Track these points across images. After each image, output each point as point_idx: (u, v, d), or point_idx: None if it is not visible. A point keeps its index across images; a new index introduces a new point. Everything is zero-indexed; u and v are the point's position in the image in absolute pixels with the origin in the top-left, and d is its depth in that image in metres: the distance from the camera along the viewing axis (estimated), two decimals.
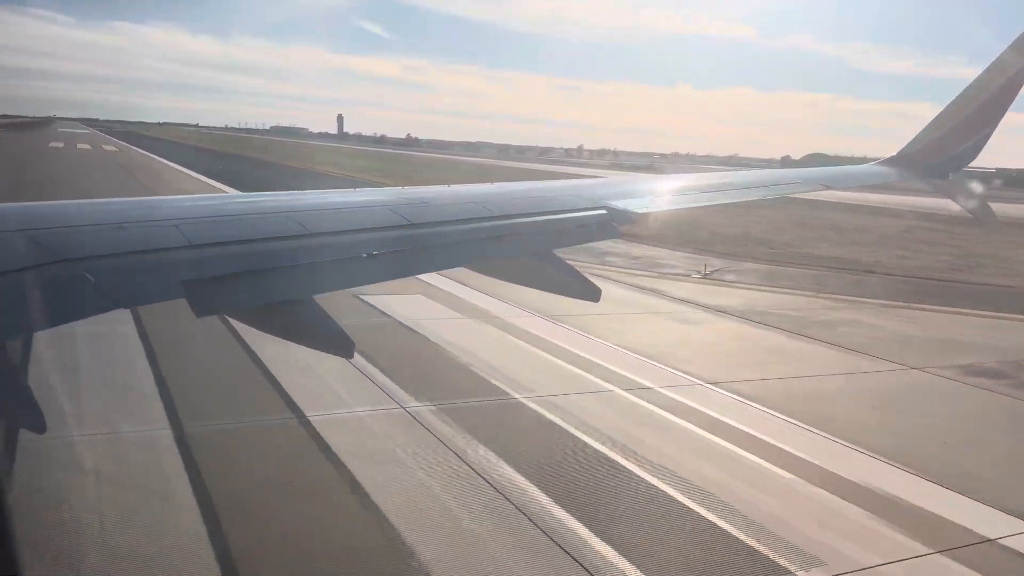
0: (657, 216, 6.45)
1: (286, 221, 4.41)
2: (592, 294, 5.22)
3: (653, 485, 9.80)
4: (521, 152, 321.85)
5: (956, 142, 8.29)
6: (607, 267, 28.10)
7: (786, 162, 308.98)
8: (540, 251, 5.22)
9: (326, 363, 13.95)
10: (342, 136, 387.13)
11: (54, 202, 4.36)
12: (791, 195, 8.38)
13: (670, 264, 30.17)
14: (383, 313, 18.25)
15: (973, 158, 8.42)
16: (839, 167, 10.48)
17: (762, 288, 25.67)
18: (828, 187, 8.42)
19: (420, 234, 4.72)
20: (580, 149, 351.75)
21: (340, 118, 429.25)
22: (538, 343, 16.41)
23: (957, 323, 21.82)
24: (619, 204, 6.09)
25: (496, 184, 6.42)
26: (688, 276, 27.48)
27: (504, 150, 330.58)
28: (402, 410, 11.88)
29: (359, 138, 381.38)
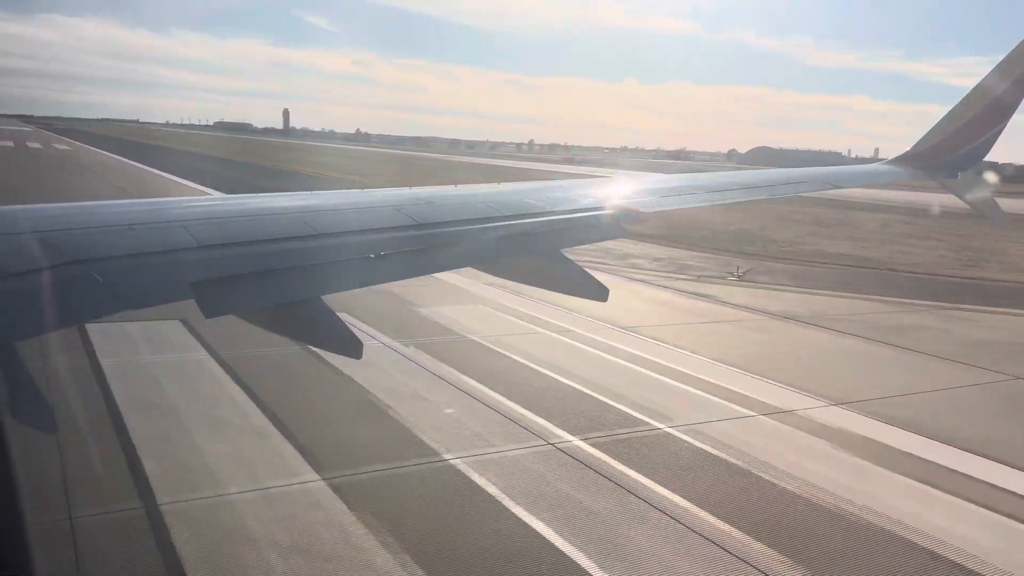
0: (662, 215, 6.38)
1: (294, 222, 4.39)
2: (600, 294, 5.14)
3: (863, 525, 8.95)
4: (472, 147, 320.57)
5: (965, 140, 8.25)
6: (637, 270, 27.34)
7: (732, 156, 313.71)
8: (548, 250, 5.17)
9: (440, 393, 12.88)
10: (288, 131, 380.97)
11: (63, 204, 4.25)
12: (799, 195, 8.29)
13: (697, 266, 29.46)
14: (452, 330, 17.12)
15: (983, 156, 8.40)
16: (847, 167, 10.13)
17: (806, 291, 25.11)
18: (836, 186, 8.27)
19: (428, 234, 4.68)
20: (531, 144, 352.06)
21: (286, 113, 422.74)
22: (636, 360, 15.47)
23: (1019, 325, 21.51)
24: (626, 203, 6.07)
25: (502, 184, 6.32)
26: (724, 278, 26.81)
27: (455, 145, 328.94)
28: (552, 447, 10.84)
29: (306, 133, 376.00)
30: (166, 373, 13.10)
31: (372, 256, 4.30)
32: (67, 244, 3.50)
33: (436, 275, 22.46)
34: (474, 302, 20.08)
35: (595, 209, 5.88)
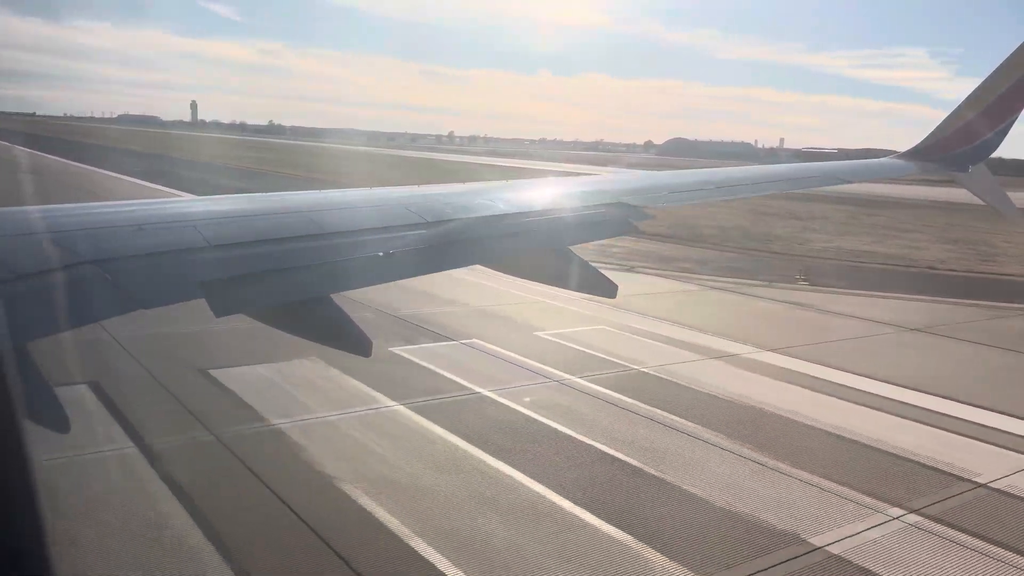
0: (670, 212, 5.56)
1: (303, 221, 4.32)
2: (609, 290, 5.10)
3: None
4: (392, 139, 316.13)
5: (976, 133, 8.13)
6: (695, 275, 25.81)
7: (649, 147, 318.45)
8: (558, 247, 5.11)
9: (685, 445, 10.97)
10: (197, 124, 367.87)
11: (72, 204, 4.10)
12: (810, 189, 8.18)
13: (746, 268, 28.28)
14: (607, 360, 15.16)
15: (994, 149, 8.27)
16: (857, 161, 9.73)
17: (889, 295, 24.30)
18: (847, 181, 8.08)
19: (436, 232, 4.62)
20: (451, 136, 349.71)
21: (194, 105, 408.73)
22: (847, 395, 13.79)
23: None
24: (634, 200, 5.98)
25: (510, 181, 6.27)
26: (792, 282, 25.61)
27: (374, 137, 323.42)
28: (898, 521, 9.07)
29: (217, 126, 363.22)
30: (366, 433, 10.73)
31: (382, 254, 4.20)
32: (76, 244, 3.45)
33: (480, 283, 20.47)
34: (588, 322, 18.15)
35: (603, 206, 5.79)
